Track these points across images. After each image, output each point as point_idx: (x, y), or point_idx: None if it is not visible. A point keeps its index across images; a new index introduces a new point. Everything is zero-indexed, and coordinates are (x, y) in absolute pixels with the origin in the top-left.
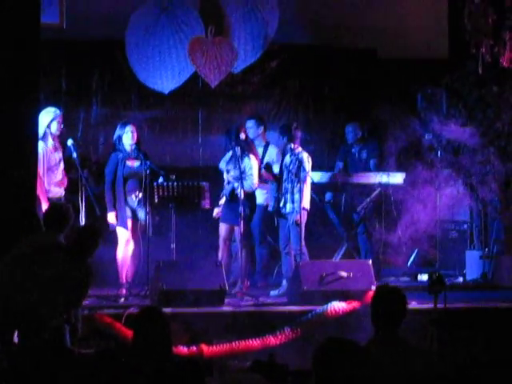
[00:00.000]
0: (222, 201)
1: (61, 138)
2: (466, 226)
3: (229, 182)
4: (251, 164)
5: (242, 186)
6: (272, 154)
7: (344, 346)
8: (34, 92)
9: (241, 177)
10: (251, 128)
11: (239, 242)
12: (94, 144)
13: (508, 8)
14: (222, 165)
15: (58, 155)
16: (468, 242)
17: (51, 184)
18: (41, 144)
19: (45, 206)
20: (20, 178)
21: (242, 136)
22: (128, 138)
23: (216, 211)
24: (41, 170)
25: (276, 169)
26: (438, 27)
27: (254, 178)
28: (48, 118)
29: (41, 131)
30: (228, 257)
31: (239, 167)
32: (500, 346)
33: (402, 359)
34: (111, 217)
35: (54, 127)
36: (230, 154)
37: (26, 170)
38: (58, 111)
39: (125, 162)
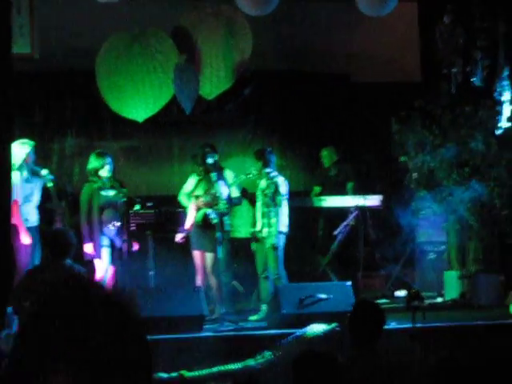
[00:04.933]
0: (187, 226)
1: (34, 169)
2: (443, 246)
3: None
4: (223, 189)
5: (223, 212)
6: (229, 178)
7: (321, 358)
8: (9, 124)
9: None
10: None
11: (210, 268)
12: (69, 175)
13: (478, 28)
14: (184, 196)
15: (32, 185)
16: (446, 262)
17: (29, 213)
18: (17, 174)
19: (24, 235)
20: None
21: (210, 161)
22: (105, 170)
23: (180, 236)
24: (19, 199)
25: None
26: (410, 50)
27: (226, 203)
28: (23, 150)
29: (17, 162)
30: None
31: (217, 192)
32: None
33: (382, 373)
34: (88, 247)
35: (29, 158)
36: (193, 181)
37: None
38: (32, 143)
39: (99, 192)
